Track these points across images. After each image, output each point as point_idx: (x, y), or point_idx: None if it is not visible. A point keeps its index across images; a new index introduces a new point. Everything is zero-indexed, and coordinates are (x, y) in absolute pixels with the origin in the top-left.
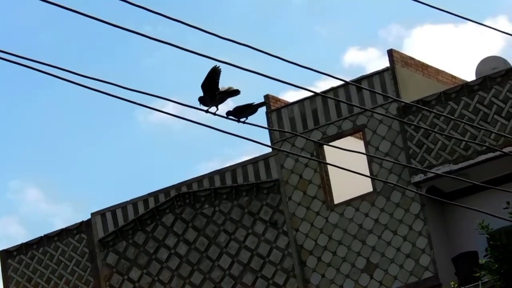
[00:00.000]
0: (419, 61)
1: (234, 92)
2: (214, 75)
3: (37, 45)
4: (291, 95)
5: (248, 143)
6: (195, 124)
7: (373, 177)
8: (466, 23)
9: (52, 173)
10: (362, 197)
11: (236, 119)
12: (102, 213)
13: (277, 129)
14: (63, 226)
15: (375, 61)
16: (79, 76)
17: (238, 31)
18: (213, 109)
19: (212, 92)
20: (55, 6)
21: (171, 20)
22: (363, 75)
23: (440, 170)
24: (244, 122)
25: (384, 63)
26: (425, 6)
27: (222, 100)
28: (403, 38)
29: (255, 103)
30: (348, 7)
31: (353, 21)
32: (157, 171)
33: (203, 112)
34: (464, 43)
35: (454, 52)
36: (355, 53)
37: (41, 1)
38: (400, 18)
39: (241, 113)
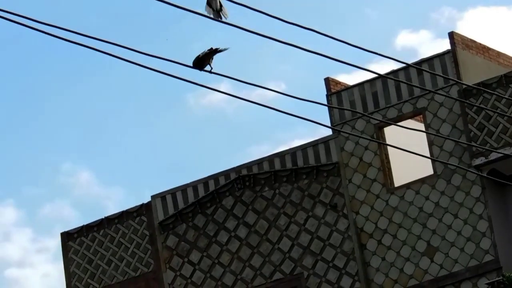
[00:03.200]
0: (480, 44)
1: (216, 49)
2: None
3: (87, 26)
4: (345, 78)
5: (300, 126)
6: (246, 107)
7: (434, 158)
8: None
9: (104, 156)
10: (422, 180)
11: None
12: (162, 196)
13: (337, 106)
14: (116, 209)
15: (427, 43)
16: (131, 52)
17: (290, 10)
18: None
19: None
20: None
21: (226, 1)
22: (424, 58)
23: (502, 152)
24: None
25: (437, 45)
26: None
27: (209, 58)
28: (456, 21)
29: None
30: None
31: (404, 3)
32: (209, 154)
33: (254, 94)
34: None
35: (509, 34)
36: (407, 35)
37: None
38: (452, 1)
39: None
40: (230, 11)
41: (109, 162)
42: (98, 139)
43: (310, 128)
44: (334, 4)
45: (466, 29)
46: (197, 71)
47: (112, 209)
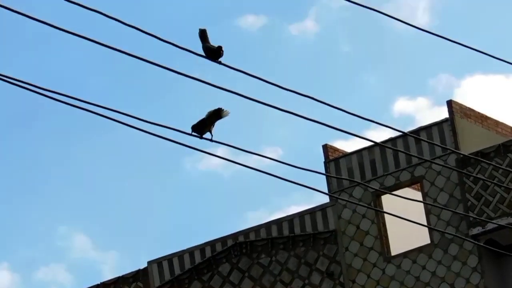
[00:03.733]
0: (478, 112)
1: (219, 112)
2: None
3: (85, 88)
4: (342, 144)
5: (296, 192)
6: (243, 172)
7: (431, 227)
8: None
9: (100, 220)
10: (419, 249)
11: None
12: (158, 262)
13: (335, 176)
14: (111, 274)
15: (425, 110)
16: (128, 118)
17: (287, 77)
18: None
19: (203, 123)
20: (104, 49)
21: (223, 67)
22: (422, 126)
23: (499, 223)
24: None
25: (435, 112)
26: (474, 56)
27: (212, 123)
28: (453, 88)
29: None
30: (396, 56)
31: (402, 70)
32: (205, 219)
33: (251, 159)
34: None
35: (507, 103)
36: (404, 102)
37: (89, 44)
38: (449, 68)
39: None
40: (228, 76)
41: (105, 226)
42: (94, 203)
43: (306, 194)
44: (331, 70)
45: (463, 97)
46: (195, 134)
47: (108, 274)
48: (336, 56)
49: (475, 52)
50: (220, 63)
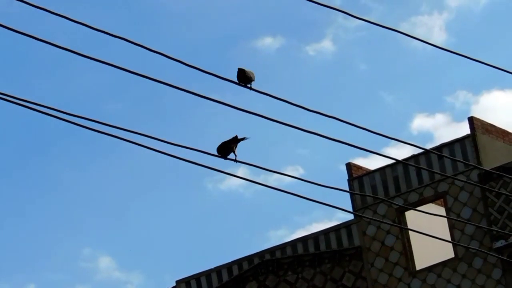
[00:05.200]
0: (499, 128)
1: (243, 138)
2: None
3: (104, 113)
4: (363, 162)
5: (317, 210)
6: (264, 192)
7: (455, 242)
8: None
9: (124, 241)
10: (444, 263)
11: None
12: (187, 281)
13: (359, 193)
14: None
15: (443, 127)
16: (151, 140)
17: (305, 96)
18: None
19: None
20: (121, 74)
21: (238, 87)
22: (444, 142)
23: None
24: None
25: (453, 129)
26: (491, 72)
27: (235, 144)
28: (471, 105)
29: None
30: (414, 74)
31: (419, 87)
32: (228, 238)
33: (272, 179)
34: None
35: None
36: (422, 119)
37: (106, 70)
38: (467, 85)
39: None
40: (248, 98)
41: (129, 247)
42: (118, 225)
43: (327, 212)
44: (351, 88)
45: (481, 113)
46: (215, 156)
47: None
48: (354, 75)
49: (492, 68)
50: (250, 88)
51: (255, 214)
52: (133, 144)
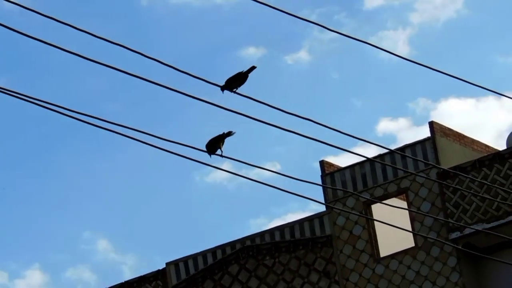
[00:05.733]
0: (456, 132)
1: (229, 133)
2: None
3: (103, 112)
4: (334, 160)
5: (292, 202)
6: (245, 185)
7: (415, 232)
8: (487, 97)
9: (120, 227)
10: (405, 251)
11: (230, 90)
12: (175, 263)
13: (331, 187)
14: (130, 274)
15: (405, 130)
16: (147, 136)
17: (283, 101)
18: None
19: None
20: (119, 77)
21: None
22: (407, 144)
23: (475, 228)
24: (235, 92)
25: (414, 132)
26: (448, 82)
27: (222, 141)
28: (430, 110)
29: (244, 71)
30: (380, 82)
31: (385, 94)
32: (213, 226)
33: (252, 173)
34: (484, 116)
35: (478, 124)
36: (387, 122)
37: (105, 72)
38: (427, 92)
39: (233, 83)
40: (232, 101)
41: (124, 232)
42: (114, 211)
43: (301, 203)
44: (323, 95)
45: (439, 118)
46: (202, 151)
47: (127, 274)
48: (327, 83)
49: (449, 78)
50: (235, 92)
51: (237, 204)
52: (130, 139)
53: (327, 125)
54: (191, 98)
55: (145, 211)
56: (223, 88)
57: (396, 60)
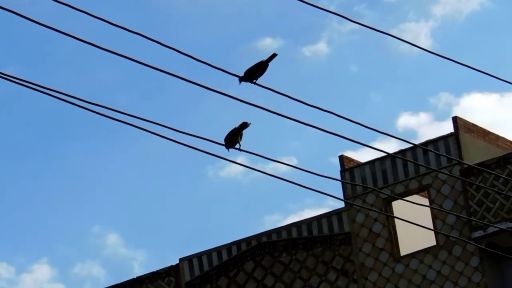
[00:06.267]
0: (480, 128)
1: (244, 125)
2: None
3: (115, 104)
4: (350, 155)
5: (308, 198)
6: (260, 180)
7: (437, 231)
8: (511, 93)
9: (130, 222)
10: (426, 250)
11: (250, 80)
12: (189, 259)
13: (350, 182)
14: (141, 269)
15: (426, 125)
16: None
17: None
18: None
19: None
20: (132, 67)
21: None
22: (429, 140)
23: (499, 227)
24: (255, 83)
25: (436, 127)
26: (471, 76)
27: (240, 135)
28: (452, 106)
29: (265, 60)
30: (400, 76)
31: (405, 88)
32: (226, 222)
33: (268, 168)
34: (508, 111)
35: (502, 119)
36: (407, 118)
37: (118, 62)
38: (449, 87)
39: (253, 73)
40: (248, 93)
41: (135, 227)
42: (126, 205)
43: (317, 200)
44: (342, 88)
45: (461, 113)
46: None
47: (138, 269)
48: (345, 76)
49: (472, 72)
50: (255, 83)
51: (251, 199)
52: (142, 132)
53: (349, 118)
54: (204, 90)
55: (157, 206)
56: (241, 79)
57: (417, 53)
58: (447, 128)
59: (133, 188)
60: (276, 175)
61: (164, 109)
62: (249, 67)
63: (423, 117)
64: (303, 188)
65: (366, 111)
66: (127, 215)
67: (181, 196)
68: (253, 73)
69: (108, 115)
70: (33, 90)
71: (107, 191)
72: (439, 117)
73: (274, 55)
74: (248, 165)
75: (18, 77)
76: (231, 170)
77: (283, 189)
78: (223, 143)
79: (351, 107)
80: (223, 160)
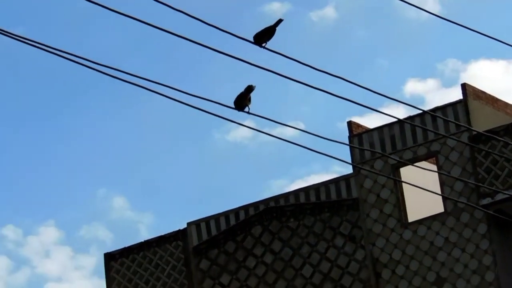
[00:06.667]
0: (489, 95)
1: (250, 88)
2: (249, 91)
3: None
4: (357, 121)
5: (315, 163)
6: (266, 145)
7: (445, 196)
8: None
9: (137, 184)
10: (434, 217)
11: (259, 45)
12: (197, 223)
13: (358, 147)
14: (147, 233)
15: (434, 92)
16: (168, 90)
17: (306, 59)
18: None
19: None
20: (140, 29)
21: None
22: (437, 106)
23: (507, 194)
24: (264, 47)
25: (443, 93)
26: (479, 42)
27: (248, 98)
28: (460, 72)
29: (272, 25)
30: (408, 41)
31: (413, 54)
32: (232, 186)
33: (276, 132)
34: None
35: (507, 86)
36: (415, 84)
37: (127, 24)
38: (456, 53)
39: (262, 38)
40: (255, 57)
41: (141, 190)
42: (131, 169)
43: (324, 164)
44: (349, 52)
45: (468, 80)
46: (224, 106)
47: (144, 232)
48: (353, 41)
49: (479, 38)
50: (264, 47)
51: (257, 164)
52: (148, 94)
53: (357, 83)
54: (212, 54)
55: (163, 169)
56: (256, 42)
57: (425, 19)
58: (454, 95)
59: (140, 151)
60: (284, 138)
61: (172, 72)
62: (257, 31)
63: (430, 83)
64: (309, 154)
65: (373, 76)
66: (133, 178)
67: (187, 160)
68: (262, 37)
69: (115, 75)
70: (40, 50)
71: (113, 154)
72: (446, 84)
73: (280, 21)
74: (256, 129)
75: (23, 36)
76: (237, 134)
77: (289, 155)
78: (232, 106)
79: (358, 73)
80: (229, 125)
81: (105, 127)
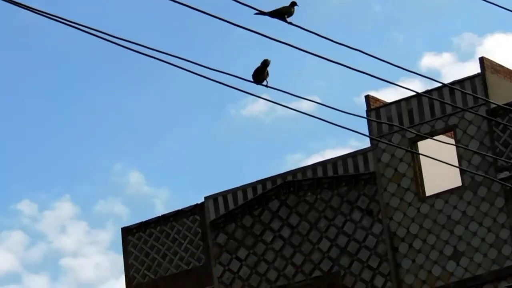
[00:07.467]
0: (507, 68)
1: (265, 62)
2: (265, 66)
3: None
4: (374, 95)
5: (330, 138)
6: (282, 119)
7: (463, 168)
8: None
9: (153, 159)
10: (451, 191)
11: (282, 18)
12: (214, 198)
13: (376, 120)
14: (163, 207)
15: (450, 66)
16: (184, 62)
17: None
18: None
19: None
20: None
21: (269, 19)
22: (455, 80)
23: None
24: (290, 23)
25: (459, 67)
26: (495, 15)
27: (266, 72)
28: (476, 46)
29: (288, 5)
30: (423, 15)
31: (428, 28)
32: (248, 160)
33: (292, 106)
34: None
35: None
36: (431, 58)
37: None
38: (472, 27)
39: (258, 77)
40: (270, 31)
41: (157, 165)
42: (147, 143)
43: (340, 139)
44: (364, 26)
45: (484, 54)
46: (241, 79)
47: (160, 207)
48: (368, 15)
49: (496, 12)
50: (290, 23)
51: (273, 139)
52: (165, 69)
53: (375, 55)
54: (229, 28)
55: (179, 144)
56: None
57: None
58: (471, 68)
59: (155, 126)
60: (298, 115)
61: (188, 46)
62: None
63: (446, 57)
64: (325, 129)
65: (389, 50)
66: (149, 153)
67: (203, 135)
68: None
69: (135, 48)
70: (57, 23)
71: (129, 129)
72: (462, 58)
73: (294, 4)
74: (275, 101)
75: (44, 10)
76: (253, 109)
77: (304, 129)
78: (250, 79)
79: (374, 47)
80: (245, 99)
81: (122, 102)
